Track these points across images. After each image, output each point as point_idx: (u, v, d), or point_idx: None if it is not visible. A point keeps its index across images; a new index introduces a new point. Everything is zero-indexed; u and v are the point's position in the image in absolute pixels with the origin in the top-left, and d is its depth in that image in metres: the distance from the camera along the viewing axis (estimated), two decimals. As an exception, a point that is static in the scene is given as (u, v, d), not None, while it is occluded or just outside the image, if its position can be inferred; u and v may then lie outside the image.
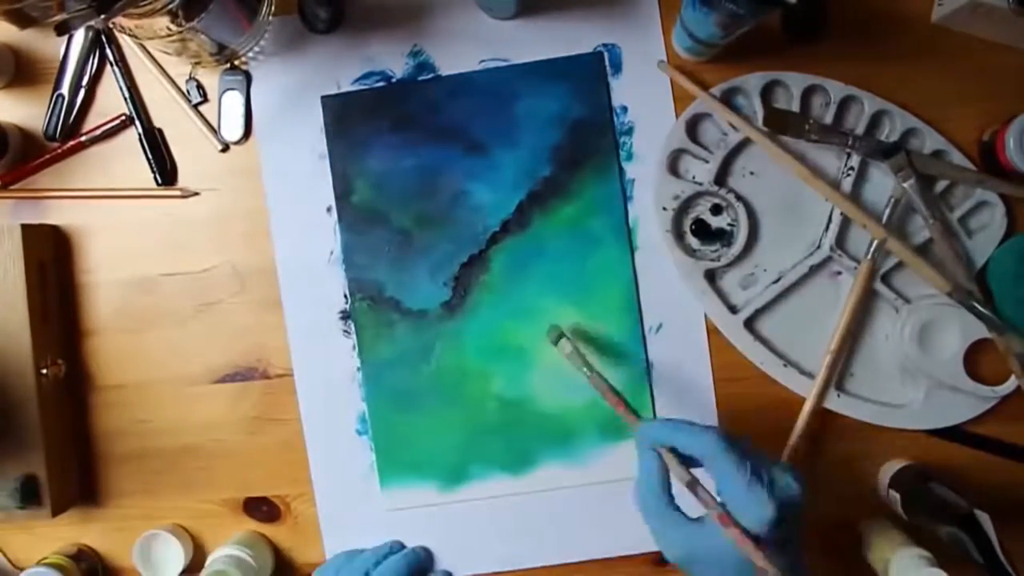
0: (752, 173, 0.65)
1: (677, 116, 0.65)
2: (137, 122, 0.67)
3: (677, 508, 0.51)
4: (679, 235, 0.66)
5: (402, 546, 0.67)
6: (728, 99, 0.65)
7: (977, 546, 0.55)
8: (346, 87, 0.67)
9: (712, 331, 0.66)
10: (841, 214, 0.64)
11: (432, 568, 0.67)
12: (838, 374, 0.65)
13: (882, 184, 0.65)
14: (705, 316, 0.66)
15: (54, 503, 0.64)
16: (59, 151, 0.68)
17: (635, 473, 0.52)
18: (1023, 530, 0.56)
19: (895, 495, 0.62)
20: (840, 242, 0.65)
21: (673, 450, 0.51)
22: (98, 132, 0.67)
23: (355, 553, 0.66)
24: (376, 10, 0.67)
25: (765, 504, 0.48)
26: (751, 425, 0.65)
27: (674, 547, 0.51)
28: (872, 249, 0.64)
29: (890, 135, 0.64)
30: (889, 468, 0.64)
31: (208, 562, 0.65)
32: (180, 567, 0.66)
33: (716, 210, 0.65)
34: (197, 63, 0.67)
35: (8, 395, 0.63)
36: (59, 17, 0.51)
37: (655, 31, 0.66)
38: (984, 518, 0.55)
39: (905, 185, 0.63)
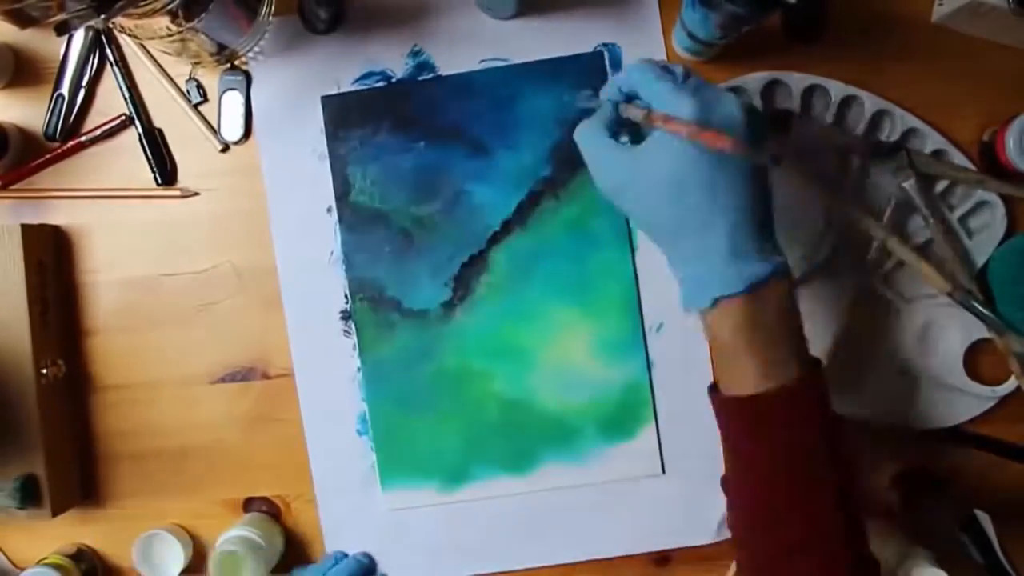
0: (752, 173, 0.65)
1: (677, 116, 0.65)
2: (137, 122, 0.67)
3: (613, 140, 0.52)
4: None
5: (345, 555, 0.67)
6: (728, 99, 0.65)
7: (977, 546, 0.55)
8: (346, 87, 0.67)
9: (712, 331, 0.66)
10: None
11: (375, 572, 0.67)
12: (838, 374, 0.65)
13: (882, 184, 0.65)
14: (705, 316, 0.66)
15: (54, 503, 0.64)
16: (59, 151, 0.67)
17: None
18: (1023, 530, 0.56)
19: (894, 495, 0.62)
20: (841, 242, 0.65)
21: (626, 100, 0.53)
22: (98, 132, 0.67)
23: (300, 571, 0.67)
24: (376, 10, 0.66)
25: (686, 101, 0.48)
26: (751, 425, 0.65)
27: (611, 174, 0.52)
28: (872, 249, 0.64)
29: (890, 135, 0.64)
30: (889, 468, 0.64)
31: (219, 542, 0.65)
32: (180, 567, 0.66)
33: (716, 210, 0.65)
34: (197, 63, 0.67)
35: (8, 395, 0.63)
36: (59, 17, 0.51)
37: (655, 31, 0.66)
38: (984, 518, 0.55)
39: (905, 185, 0.63)
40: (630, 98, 0.53)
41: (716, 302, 0.49)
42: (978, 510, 0.56)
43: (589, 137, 0.53)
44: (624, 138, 0.54)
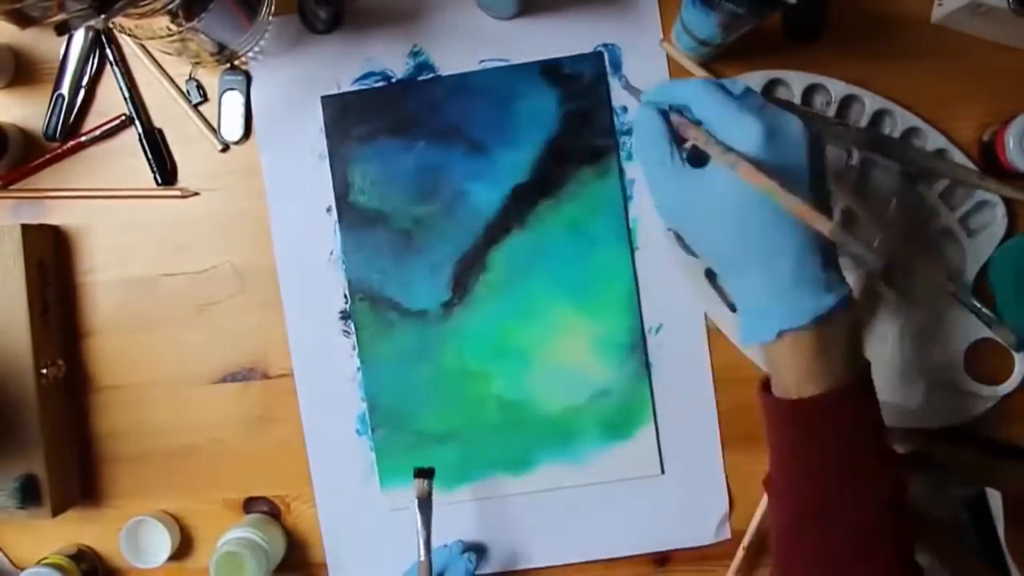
0: (752, 173, 0.65)
1: (677, 116, 0.65)
2: (137, 122, 0.67)
3: (677, 159, 0.49)
4: (679, 235, 0.66)
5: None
6: (728, 99, 0.65)
7: (977, 526, 0.53)
8: (346, 87, 0.67)
9: (712, 331, 0.66)
10: (842, 213, 0.64)
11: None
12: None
13: (883, 185, 0.65)
14: (705, 316, 0.66)
15: (54, 503, 0.64)
16: (59, 151, 0.67)
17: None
18: (1023, 530, 0.56)
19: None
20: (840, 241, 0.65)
21: (678, 113, 0.49)
22: (98, 132, 0.67)
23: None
24: (376, 10, 0.67)
25: (752, 123, 0.46)
26: (751, 425, 0.65)
27: (672, 197, 0.50)
28: (872, 248, 0.64)
29: (891, 134, 0.64)
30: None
31: (219, 543, 0.65)
32: (167, 554, 0.66)
33: (716, 210, 0.65)
34: (197, 63, 0.67)
35: (8, 395, 0.63)
36: (59, 17, 0.51)
37: (655, 31, 0.66)
38: (994, 496, 0.54)
39: (905, 184, 0.63)
40: (679, 111, 0.50)
41: (781, 334, 0.47)
42: (990, 488, 0.55)
43: (649, 154, 0.50)
44: (680, 154, 0.50)
